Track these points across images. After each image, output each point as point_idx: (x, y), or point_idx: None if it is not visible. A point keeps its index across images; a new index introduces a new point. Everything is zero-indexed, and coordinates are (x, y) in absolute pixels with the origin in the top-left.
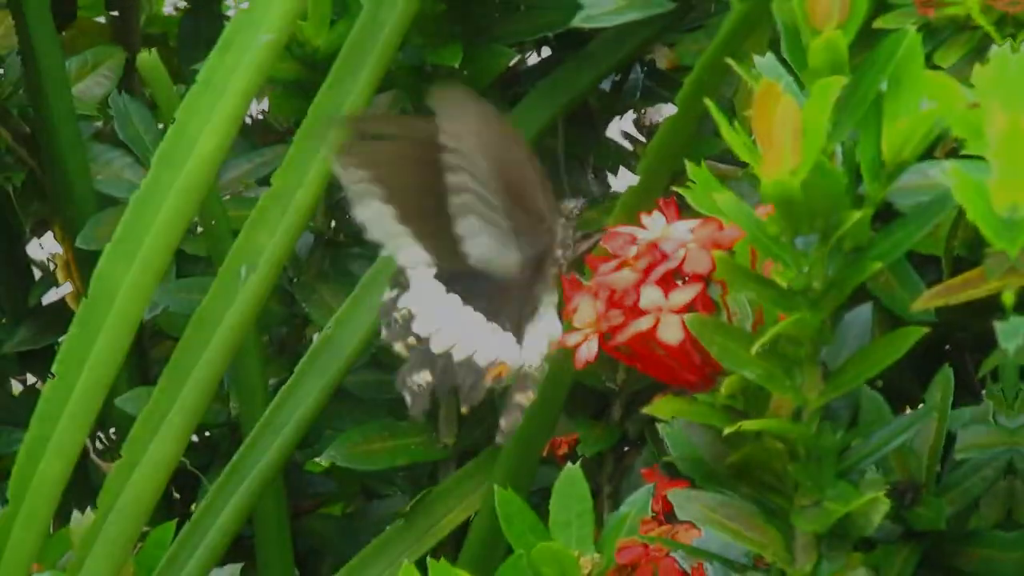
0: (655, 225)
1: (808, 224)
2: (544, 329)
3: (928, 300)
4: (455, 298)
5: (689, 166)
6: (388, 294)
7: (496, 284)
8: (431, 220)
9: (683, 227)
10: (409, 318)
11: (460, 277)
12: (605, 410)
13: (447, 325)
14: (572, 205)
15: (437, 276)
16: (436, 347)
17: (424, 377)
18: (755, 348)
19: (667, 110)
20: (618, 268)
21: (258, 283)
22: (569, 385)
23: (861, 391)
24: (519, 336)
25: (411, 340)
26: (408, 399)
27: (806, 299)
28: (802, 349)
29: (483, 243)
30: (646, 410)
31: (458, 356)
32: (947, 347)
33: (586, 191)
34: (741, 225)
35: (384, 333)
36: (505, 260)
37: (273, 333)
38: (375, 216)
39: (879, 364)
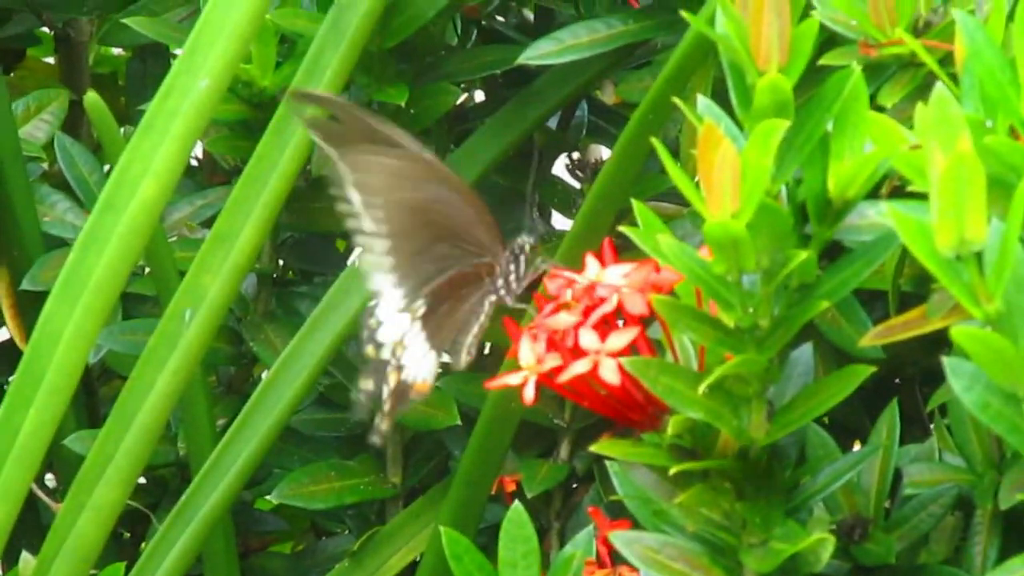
0: (594, 267)
1: (753, 263)
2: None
3: (873, 338)
4: (407, 315)
5: (635, 205)
6: (371, 301)
7: (442, 307)
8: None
9: (619, 270)
10: (377, 326)
11: (430, 308)
12: (553, 447)
13: (413, 353)
14: (522, 241)
15: (401, 289)
16: (385, 356)
17: (367, 385)
18: (702, 388)
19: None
20: (557, 310)
21: (203, 325)
22: (516, 423)
23: (808, 427)
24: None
25: (373, 348)
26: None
27: (753, 338)
28: (749, 388)
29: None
30: (592, 449)
31: (409, 377)
32: (896, 381)
33: (531, 229)
34: (684, 267)
35: (361, 337)
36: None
37: (220, 373)
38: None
39: (826, 402)
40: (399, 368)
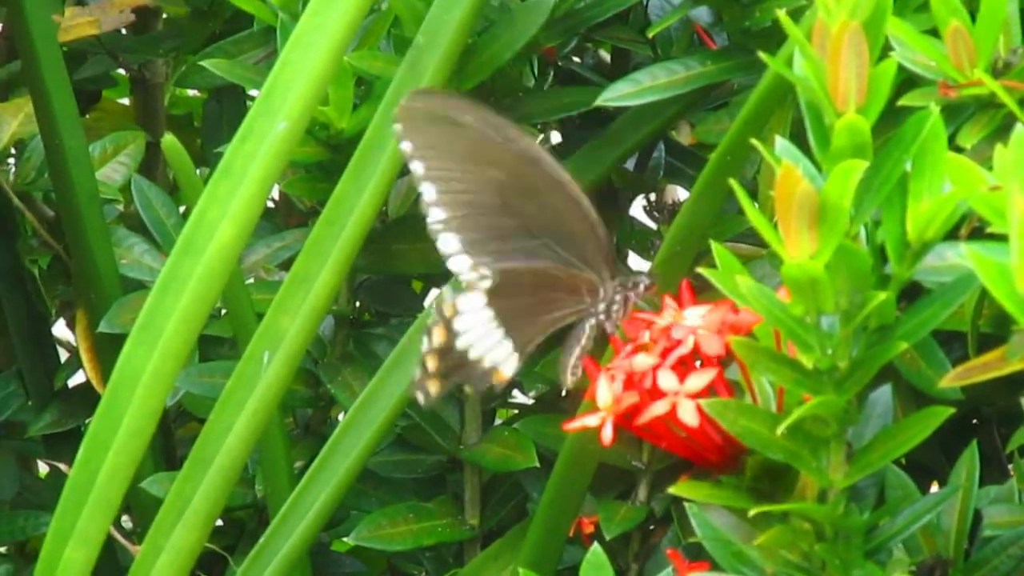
0: (672, 308)
1: (832, 304)
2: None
3: (952, 380)
4: (489, 310)
5: (714, 246)
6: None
7: (522, 299)
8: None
9: (696, 311)
10: (454, 313)
11: (504, 290)
12: (631, 489)
13: (474, 327)
14: (640, 279)
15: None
16: (460, 344)
17: (434, 364)
18: (780, 429)
19: (683, 191)
20: (635, 351)
21: (280, 367)
22: (594, 465)
23: (887, 468)
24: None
25: (445, 333)
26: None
27: (832, 380)
28: (828, 429)
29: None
30: (671, 491)
31: (472, 354)
32: (974, 421)
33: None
34: (762, 308)
35: (431, 319)
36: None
37: (298, 414)
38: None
39: (905, 444)
40: (448, 329)
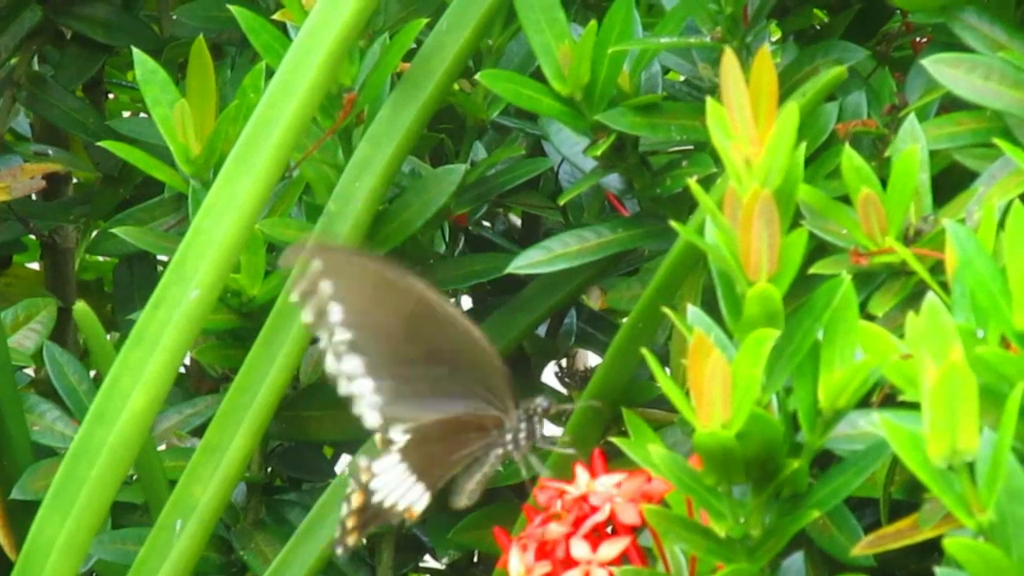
0: (584, 476)
1: (743, 474)
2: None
3: (865, 547)
4: (403, 463)
5: (625, 415)
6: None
7: (433, 445)
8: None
9: (610, 480)
10: (371, 477)
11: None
12: None
13: (389, 482)
14: (539, 403)
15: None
16: (376, 499)
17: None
18: None
19: (593, 356)
20: (547, 520)
21: (193, 535)
22: None
23: None
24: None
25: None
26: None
27: (744, 548)
28: None
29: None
30: None
31: (387, 503)
32: None
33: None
34: (675, 478)
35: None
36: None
37: None
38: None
39: None
40: (365, 491)
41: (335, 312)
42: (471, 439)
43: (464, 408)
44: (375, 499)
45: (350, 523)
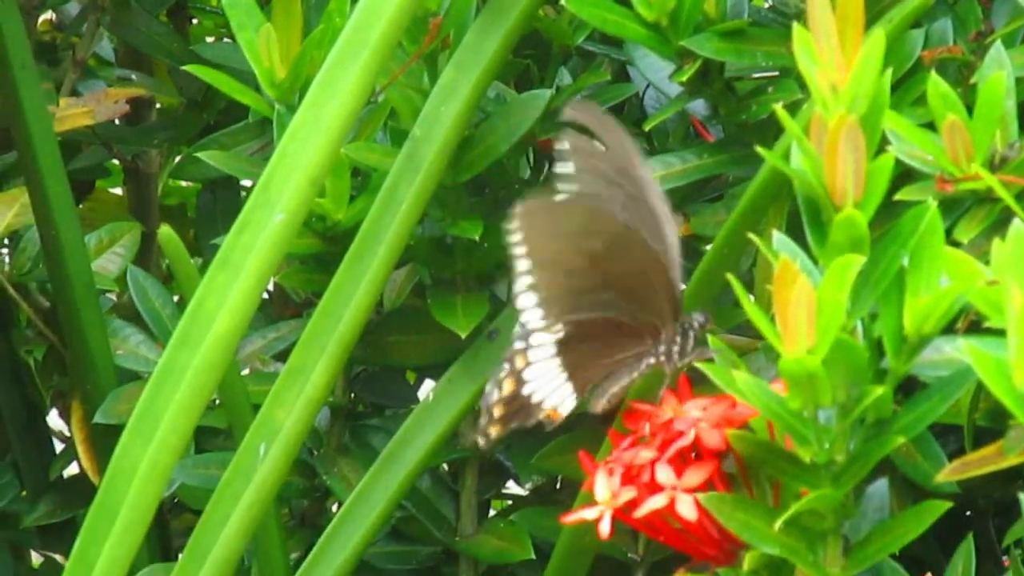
0: (671, 401)
1: (830, 398)
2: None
3: (949, 474)
4: (557, 358)
5: (711, 340)
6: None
7: (588, 344)
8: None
9: (695, 405)
10: (525, 365)
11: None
12: None
13: (541, 375)
14: (696, 318)
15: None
16: (525, 391)
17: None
18: (778, 524)
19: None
20: (633, 445)
21: (277, 459)
22: (591, 557)
23: (883, 562)
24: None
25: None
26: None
27: (829, 473)
28: (825, 523)
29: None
30: None
31: (535, 398)
32: (968, 513)
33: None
34: (760, 403)
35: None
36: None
37: (293, 506)
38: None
39: (902, 538)
40: (517, 379)
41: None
42: (627, 344)
43: (626, 312)
44: (525, 390)
45: (497, 412)
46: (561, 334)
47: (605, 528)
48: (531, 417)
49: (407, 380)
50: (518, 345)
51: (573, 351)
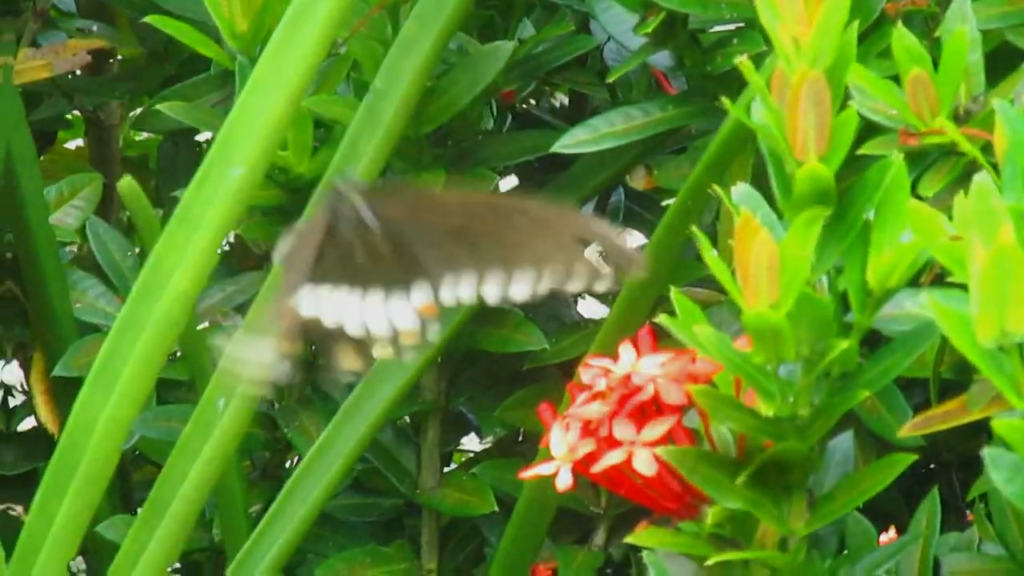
0: (629, 355)
1: (793, 353)
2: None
3: (913, 428)
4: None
5: (673, 293)
6: None
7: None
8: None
9: (656, 359)
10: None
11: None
12: (589, 534)
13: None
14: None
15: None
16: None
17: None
18: (741, 478)
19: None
20: (591, 400)
21: (237, 412)
22: (553, 510)
23: (848, 515)
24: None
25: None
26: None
27: (793, 427)
28: (790, 477)
29: None
30: (629, 539)
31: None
32: (932, 466)
33: (567, 317)
34: (722, 357)
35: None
36: None
37: (255, 458)
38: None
39: (867, 492)
40: None
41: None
42: None
43: None
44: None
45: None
46: None
47: (562, 483)
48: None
49: None
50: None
51: None
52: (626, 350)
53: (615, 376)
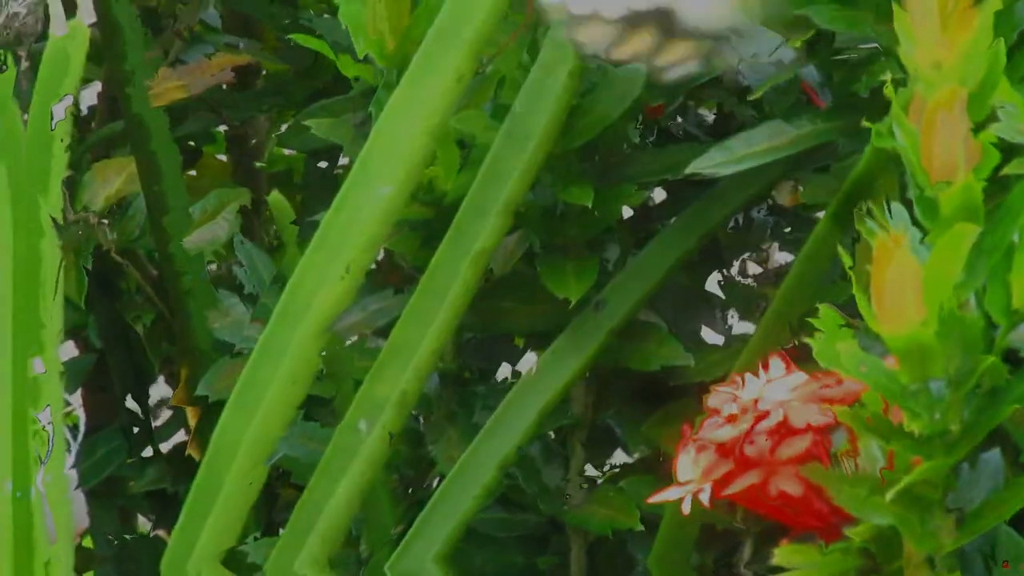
0: (766, 376)
1: (941, 370)
2: None
3: None
4: None
5: (822, 310)
6: None
7: None
8: None
9: (789, 382)
10: None
11: None
12: (732, 550)
13: None
14: None
15: None
16: None
17: None
18: (891, 494)
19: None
20: (728, 421)
21: (381, 434)
22: (698, 526)
23: (999, 529)
24: None
25: None
26: None
27: (942, 443)
28: (937, 493)
29: None
30: (774, 562)
31: None
32: None
33: (721, 330)
34: (866, 377)
35: None
36: None
37: (401, 473)
38: None
39: (1016, 506)
40: None
41: None
42: None
43: None
44: None
45: None
46: None
47: (686, 508)
48: None
49: (516, 346)
50: None
51: None
52: (753, 375)
53: (745, 400)
